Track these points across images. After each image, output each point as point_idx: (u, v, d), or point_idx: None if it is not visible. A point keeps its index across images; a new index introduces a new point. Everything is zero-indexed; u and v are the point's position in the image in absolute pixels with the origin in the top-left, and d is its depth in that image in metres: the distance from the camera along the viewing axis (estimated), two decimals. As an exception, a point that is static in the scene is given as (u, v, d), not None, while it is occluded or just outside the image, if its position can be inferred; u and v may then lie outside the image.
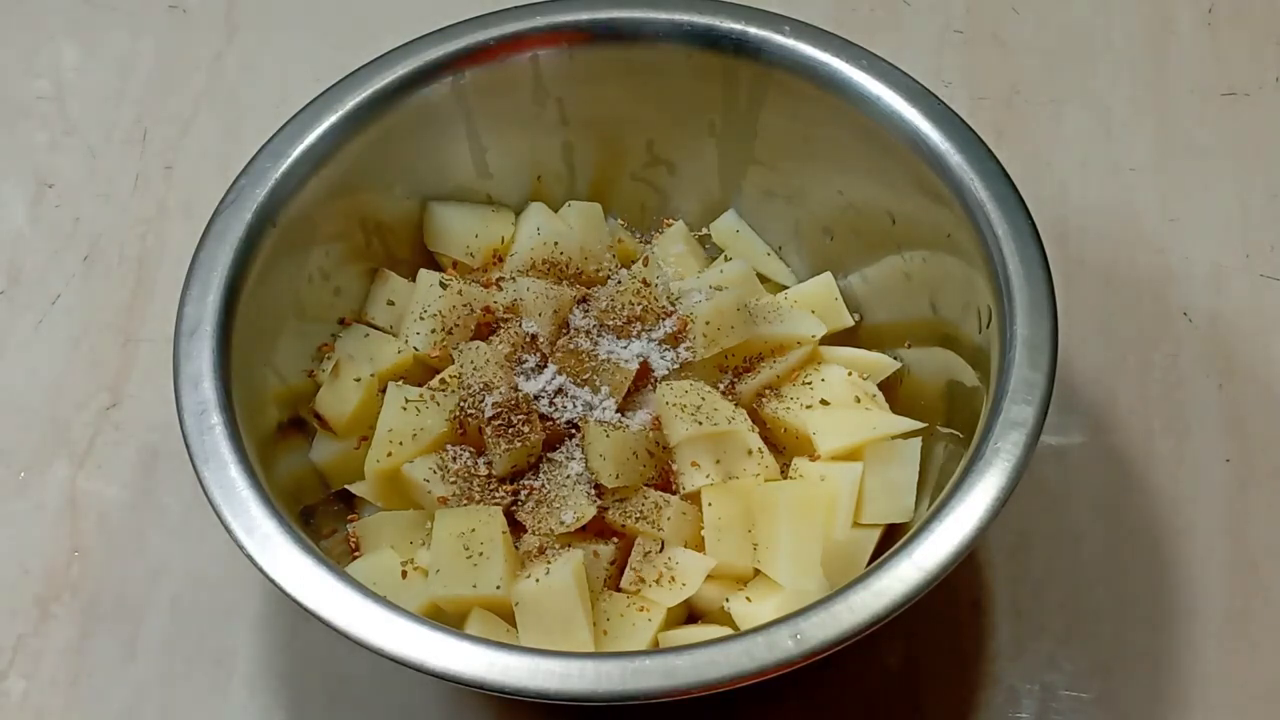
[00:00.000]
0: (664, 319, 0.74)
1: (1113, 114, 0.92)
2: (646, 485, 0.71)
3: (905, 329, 0.77)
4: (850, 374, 0.75)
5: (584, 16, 0.76)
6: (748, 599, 0.69)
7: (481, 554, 0.67)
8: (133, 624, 0.76)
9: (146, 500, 0.80)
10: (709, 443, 0.71)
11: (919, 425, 0.72)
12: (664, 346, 0.73)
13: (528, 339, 0.74)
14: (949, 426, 0.71)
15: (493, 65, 0.76)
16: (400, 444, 0.71)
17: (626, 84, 0.78)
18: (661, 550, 0.70)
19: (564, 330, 0.75)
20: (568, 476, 0.70)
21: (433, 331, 0.76)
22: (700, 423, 0.70)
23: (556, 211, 0.81)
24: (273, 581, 0.61)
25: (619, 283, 0.76)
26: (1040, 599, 0.75)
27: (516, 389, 0.72)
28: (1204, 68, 0.93)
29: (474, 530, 0.68)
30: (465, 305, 0.76)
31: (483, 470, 0.71)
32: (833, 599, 0.60)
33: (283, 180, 0.72)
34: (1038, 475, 0.78)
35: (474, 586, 0.67)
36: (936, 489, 0.68)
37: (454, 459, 0.71)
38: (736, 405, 0.73)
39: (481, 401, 0.71)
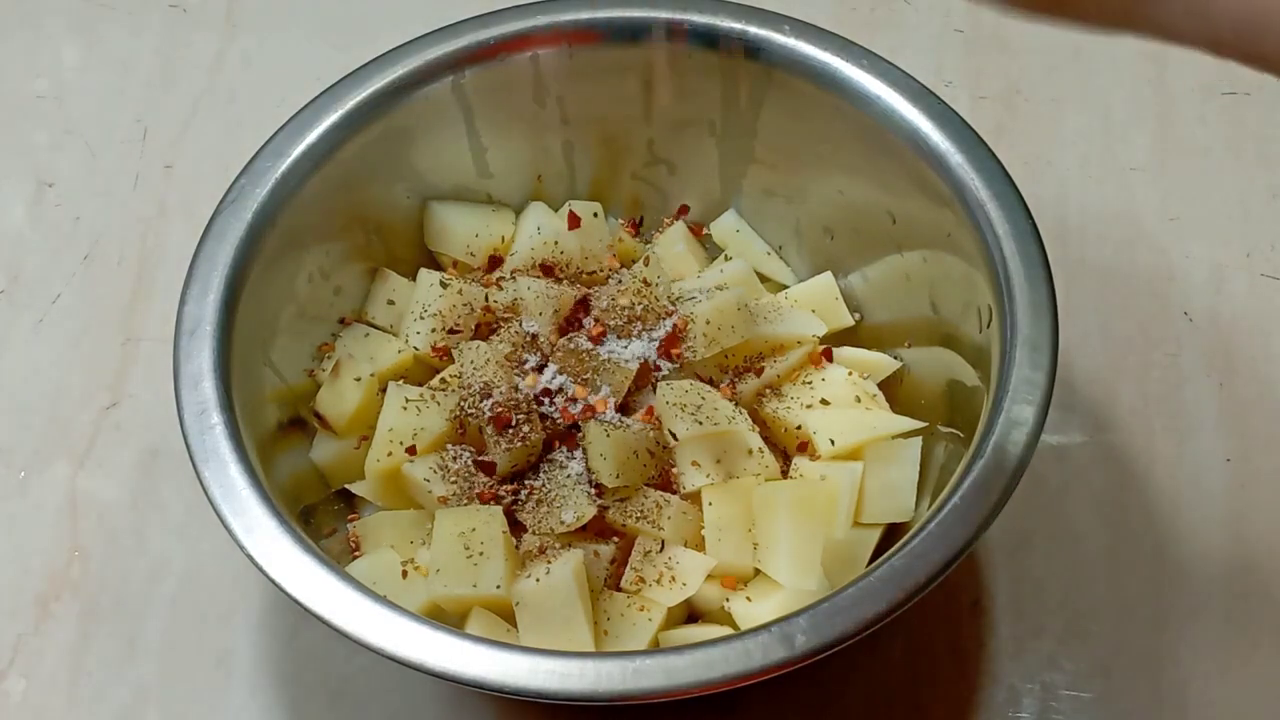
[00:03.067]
0: (664, 319, 0.74)
1: (1113, 114, 0.92)
2: (646, 485, 0.71)
3: (905, 329, 0.77)
4: (850, 374, 0.75)
5: (584, 16, 0.76)
6: (748, 599, 0.69)
7: (482, 554, 0.67)
8: (133, 624, 0.76)
9: (146, 500, 0.80)
10: (709, 442, 0.71)
11: (919, 425, 0.72)
12: (664, 346, 0.73)
13: (528, 339, 0.74)
14: (949, 426, 0.71)
15: (493, 65, 0.76)
16: (400, 444, 0.71)
17: (626, 84, 0.78)
18: (662, 550, 0.70)
19: (564, 330, 0.75)
20: (568, 476, 0.70)
21: (433, 331, 0.76)
22: (700, 423, 0.70)
23: (556, 211, 0.81)
24: (273, 581, 0.61)
25: (619, 283, 0.76)
26: (1040, 599, 0.75)
27: (516, 389, 0.72)
28: (1204, 68, 0.93)
29: (474, 530, 0.68)
30: (465, 305, 0.76)
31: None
32: (833, 599, 0.60)
33: (283, 180, 0.72)
34: (1038, 475, 0.78)
35: (474, 586, 0.67)
36: (936, 489, 0.68)
37: (454, 459, 0.71)
38: (736, 405, 0.73)
39: (481, 401, 0.71)
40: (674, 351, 0.73)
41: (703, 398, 0.71)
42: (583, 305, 0.76)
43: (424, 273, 0.77)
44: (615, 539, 0.70)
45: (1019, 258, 0.67)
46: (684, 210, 0.83)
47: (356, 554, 0.73)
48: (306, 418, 0.75)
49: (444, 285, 0.76)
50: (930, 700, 0.73)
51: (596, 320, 0.74)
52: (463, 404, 0.72)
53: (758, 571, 0.70)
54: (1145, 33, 0.45)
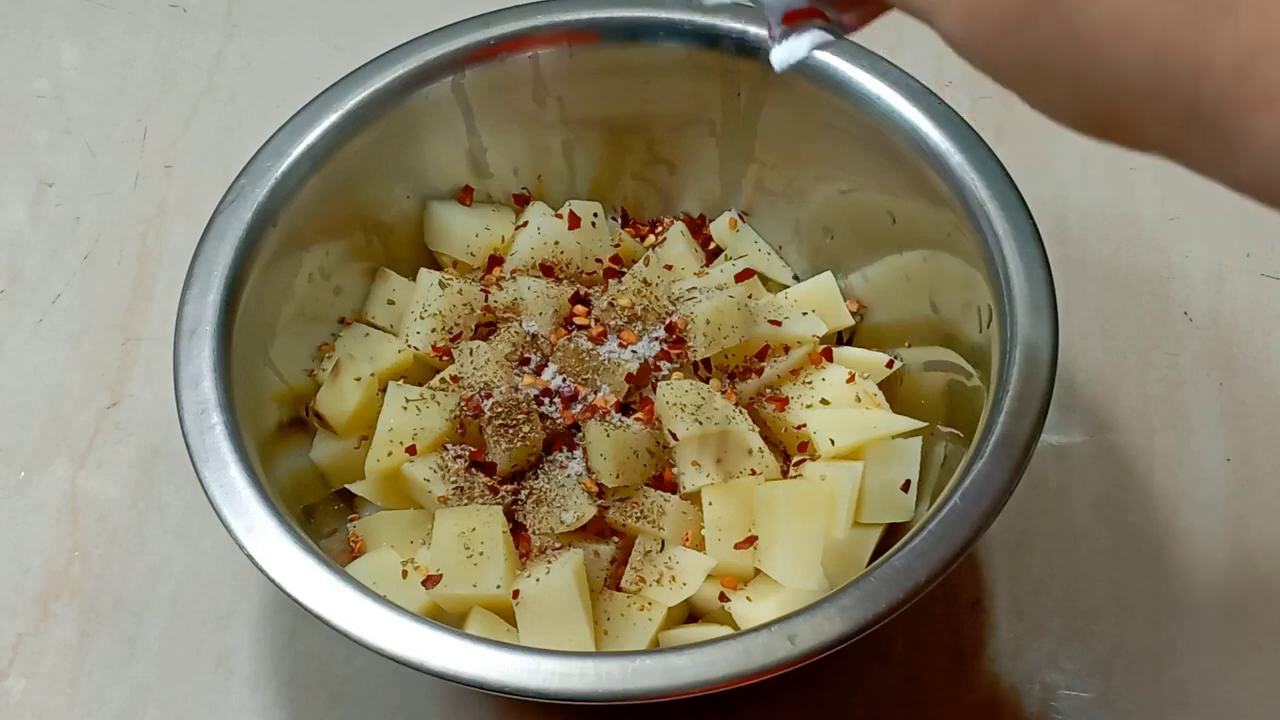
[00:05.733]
0: (664, 319, 0.74)
1: (1113, 114, 0.92)
2: (647, 485, 0.71)
3: (905, 329, 0.77)
4: (850, 374, 0.75)
5: (584, 16, 0.76)
6: (748, 599, 0.69)
7: (482, 553, 0.67)
8: (133, 624, 0.76)
9: (146, 500, 0.80)
10: (709, 442, 0.71)
11: (919, 425, 0.72)
12: (664, 346, 0.73)
13: (528, 339, 0.74)
14: (949, 426, 0.71)
15: (493, 65, 0.76)
16: (400, 444, 0.71)
17: (626, 84, 0.78)
18: (662, 550, 0.70)
19: (564, 330, 0.75)
20: (568, 476, 0.70)
21: (433, 331, 0.76)
22: (700, 423, 0.70)
23: (556, 211, 0.81)
24: (273, 581, 0.61)
25: (619, 282, 0.76)
26: (1040, 599, 0.75)
27: (516, 389, 0.72)
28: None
29: (474, 530, 0.68)
30: (465, 305, 0.76)
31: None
32: (832, 599, 0.60)
33: (283, 180, 0.72)
34: (1038, 475, 0.78)
35: (474, 586, 0.67)
36: (936, 489, 0.68)
37: (454, 459, 0.71)
38: (736, 405, 0.73)
39: (481, 401, 0.71)
40: (674, 351, 0.73)
41: (703, 398, 0.71)
42: (583, 304, 0.76)
43: (424, 273, 0.77)
44: (615, 539, 0.71)
45: (1019, 258, 0.67)
46: (688, 219, 0.83)
47: (357, 554, 0.73)
48: (307, 417, 0.75)
49: (444, 285, 0.76)
50: (930, 701, 0.73)
51: (597, 320, 0.75)
52: (463, 404, 0.72)
53: (758, 571, 0.70)
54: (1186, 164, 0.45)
